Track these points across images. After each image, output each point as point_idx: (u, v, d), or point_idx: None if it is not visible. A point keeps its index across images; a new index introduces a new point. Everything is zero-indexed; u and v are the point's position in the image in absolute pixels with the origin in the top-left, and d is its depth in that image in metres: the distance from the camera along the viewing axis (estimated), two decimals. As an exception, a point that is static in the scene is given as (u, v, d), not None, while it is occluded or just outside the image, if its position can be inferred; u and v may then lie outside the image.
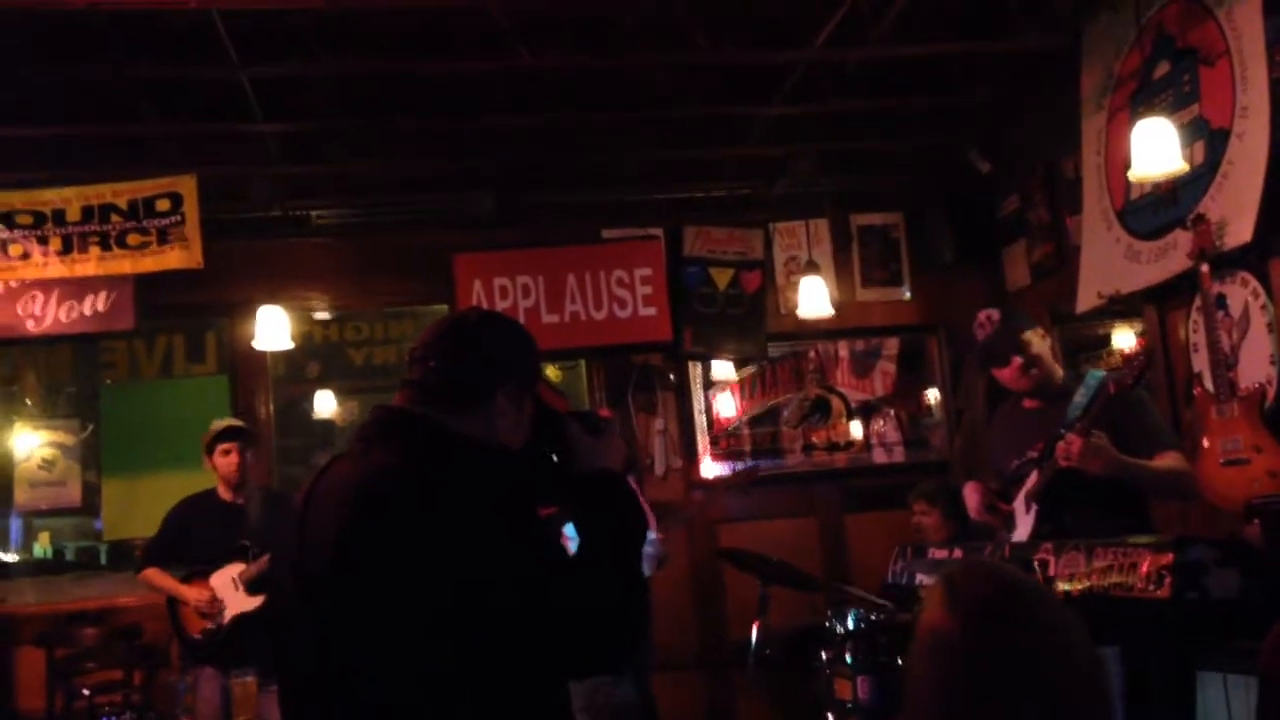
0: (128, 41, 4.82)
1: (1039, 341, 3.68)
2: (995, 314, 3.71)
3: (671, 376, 6.68)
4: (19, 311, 5.79)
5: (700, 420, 6.68)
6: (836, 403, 6.83)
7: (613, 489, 2.00)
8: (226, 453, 5.07)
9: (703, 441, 6.66)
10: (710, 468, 6.63)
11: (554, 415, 2.06)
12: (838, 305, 6.46)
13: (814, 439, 6.79)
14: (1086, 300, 5.14)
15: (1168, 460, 3.50)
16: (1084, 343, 6.41)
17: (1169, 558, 2.59)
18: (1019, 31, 5.13)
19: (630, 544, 1.95)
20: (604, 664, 1.93)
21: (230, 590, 4.98)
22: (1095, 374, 3.51)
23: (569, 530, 2.03)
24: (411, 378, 1.98)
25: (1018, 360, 3.62)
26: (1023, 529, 3.53)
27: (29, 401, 7.56)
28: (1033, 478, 3.52)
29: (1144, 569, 2.62)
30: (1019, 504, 3.58)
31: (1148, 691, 2.68)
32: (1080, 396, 3.44)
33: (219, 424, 5.20)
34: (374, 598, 1.76)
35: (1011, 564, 3.03)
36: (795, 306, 6.43)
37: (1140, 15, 4.67)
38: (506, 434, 1.97)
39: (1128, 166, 4.28)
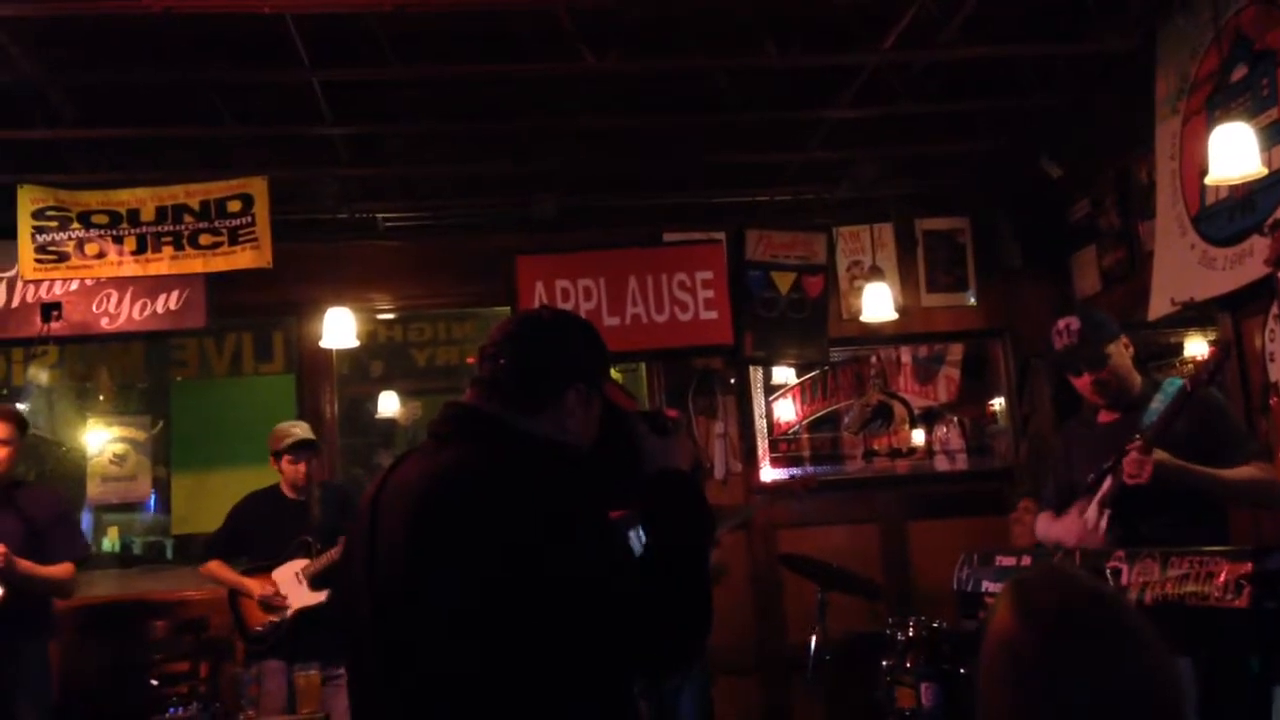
0: (202, 45, 4.91)
1: (1120, 354, 3.61)
2: (1075, 322, 3.62)
3: (732, 380, 6.66)
4: (94, 309, 5.93)
5: (760, 425, 6.66)
6: (899, 409, 6.76)
7: (680, 489, 2.00)
8: (293, 462, 5.20)
9: (763, 446, 6.63)
10: (770, 473, 6.60)
11: (622, 415, 2.06)
12: (901, 310, 6.41)
13: (875, 445, 6.73)
14: (1159, 307, 5.04)
15: (1249, 470, 3.42)
16: (1156, 351, 6.28)
17: (1248, 566, 2.51)
18: (1091, 33, 5.04)
19: (697, 544, 1.94)
20: (672, 664, 1.93)
21: (294, 585, 5.08)
22: (1174, 381, 3.44)
23: (637, 532, 2.03)
24: (482, 375, 1.99)
25: (1089, 377, 3.60)
26: (1095, 535, 3.48)
27: (102, 398, 7.75)
28: (1106, 483, 3.46)
29: (1221, 578, 2.56)
30: (1091, 510, 3.52)
31: (1221, 705, 2.61)
32: (1157, 404, 3.38)
33: (286, 435, 5.24)
34: (442, 593, 1.77)
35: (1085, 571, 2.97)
36: (858, 311, 6.38)
37: (1217, 17, 4.57)
38: (575, 433, 1.97)
39: (1204, 171, 4.19)
